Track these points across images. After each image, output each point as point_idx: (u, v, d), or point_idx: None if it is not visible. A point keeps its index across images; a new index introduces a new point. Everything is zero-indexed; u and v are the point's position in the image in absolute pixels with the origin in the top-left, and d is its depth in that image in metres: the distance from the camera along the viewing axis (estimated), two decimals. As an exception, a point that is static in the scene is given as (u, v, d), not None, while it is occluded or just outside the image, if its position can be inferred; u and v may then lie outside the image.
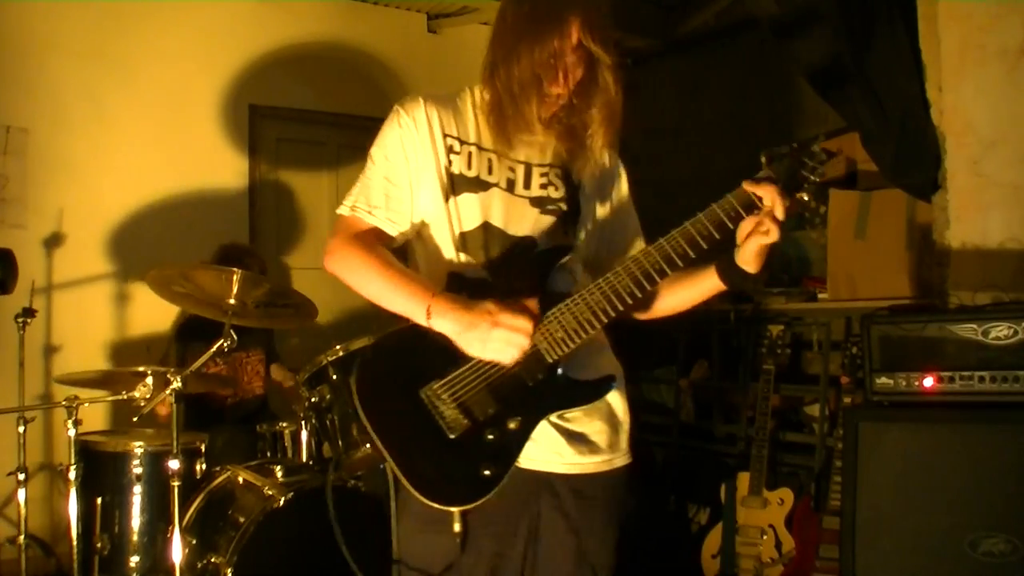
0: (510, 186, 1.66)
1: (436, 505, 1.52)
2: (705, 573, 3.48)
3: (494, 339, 1.48)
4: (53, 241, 4.13)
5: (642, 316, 1.78)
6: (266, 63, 4.68)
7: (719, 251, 1.62)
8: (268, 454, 3.10)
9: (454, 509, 1.54)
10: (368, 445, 2.65)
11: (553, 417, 1.60)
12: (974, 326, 2.30)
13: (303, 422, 2.79)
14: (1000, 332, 2.27)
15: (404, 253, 1.74)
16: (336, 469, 2.77)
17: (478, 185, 1.65)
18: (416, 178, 1.66)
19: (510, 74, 1.58)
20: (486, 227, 1.64)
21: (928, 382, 2.35)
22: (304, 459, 2.82)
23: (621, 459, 1.72)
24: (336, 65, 4.90)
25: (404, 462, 1.53)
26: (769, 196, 1.54)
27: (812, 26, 3.09)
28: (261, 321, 3.01)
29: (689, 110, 5.06)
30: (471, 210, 1.65)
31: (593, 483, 1.66)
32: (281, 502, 2.61)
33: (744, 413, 3.89)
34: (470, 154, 1.66)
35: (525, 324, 1.49)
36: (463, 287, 1.60)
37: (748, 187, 1.55)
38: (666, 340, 4.57)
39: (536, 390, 1.55)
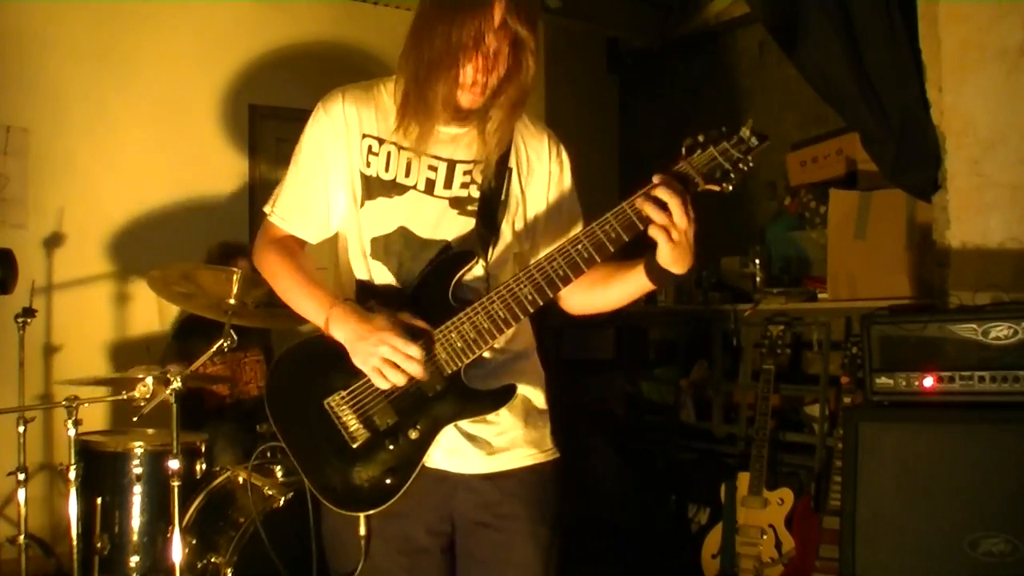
0: (429, 187, 1.60)
1: (339, 511, 1.55)
2: (705, 573, 3.48)
3: (376, 357, 1.47)
4: (53, 241, 4.13)
5: (574, 312, 1.72)
6: (266, 63, 4.68)
7: (642, 247, 1.53)
8: (268, 454, 3.09)
9: (358, 514, 1.56)
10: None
11: (463, 424, 1.58)
12: (974, 326, 2.30)
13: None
14: (1000, 332, 2.27)
15: (321, 251, 1.74)
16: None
17: (394, 189, 1.59)
18: (333, 181, 1.63)
19: (420, 57, 1.50)
20: (400, 232, 1.60)
21: (928, 382, 2.35)
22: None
23: (544, 456, 1.67)
24: (336, 65, 4.89)
25: (311, 469, 1.57)
26: (669, 196, 1.43)
27: (812, 26, 3.09)
28: (261, 321, 3.01)
29: (689, 110, 5.07)
30: (385, 215, 1.60)
31: (511, 479, 1.62)
32: (281, 502, 2.61)
33: (744, 413, 3.90)
34: (389, 154, 1.60)
35: (413, 352, 1.46)
36: (371, 295, 1.60)
37: (642, 196, 1.45)
38: (666, 340, 4.57)
39: (436, 400, 1.54)
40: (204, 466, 2.96)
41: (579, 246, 1.49)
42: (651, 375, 4.56)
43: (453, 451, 1.59)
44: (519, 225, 1.67)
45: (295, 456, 1.58)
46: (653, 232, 1.45)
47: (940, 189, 2.98)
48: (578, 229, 1.63)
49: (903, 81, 2.99)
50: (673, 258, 1.48)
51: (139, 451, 2.80)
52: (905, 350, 2.40)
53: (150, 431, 3.07)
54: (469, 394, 1.55)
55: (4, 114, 4.04)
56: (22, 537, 2.96)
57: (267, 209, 1.70)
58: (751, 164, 1.50)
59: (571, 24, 4.96)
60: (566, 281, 1.50)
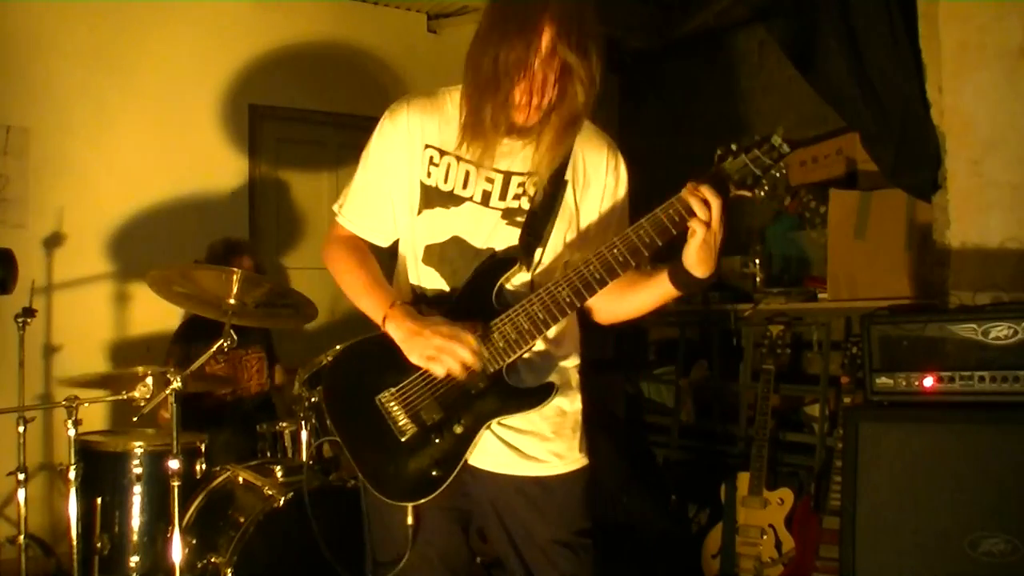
0: (485, 199, 1.67)
1: (389, 501, 1.66)
2: (705, 573, 3.48)
3: (432, 349, 1.57)
4: (53, 241, 4.13)
5: (603, 321, 1.79)
6: (266, 63, 4.68)
7: (674, 252, 1.60)
8: (268, 454, 3.09)
9: (406, 504, 1.67)
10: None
11: (501, 432, 1.69)
12: (974, 326, 2.30)
13: (303, 422, 2.79)
14: (1000, 332, 2.27)
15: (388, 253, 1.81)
16: (336, 469, 2.78)
17: (451, 200, 1.67)
18: (396, 188, 1.72)
19: (474, 79, 1.57)
20: (454, 241, 1.68)
21: (928, 382, 2.35)
22: (304, 459, 2.81)
23: (568, 467, 1.75)
24: (336, 65, 4.90)
25: (362, 462, 1.66)
26: (699, 205, 1.49)
27: (811, 27, 3.09)
28: (261, 321, 3.01)
29: (689, 110, 5.07)
30: (441, 224, 1.69)
31: (538, 486, 1.71)
32: (281, 502, 2.61)
33: (744, 413, 3.89)
34: (449, 166, 1.68)
35: (467, 352, 1.56)
36: (423, 299, 1.70)
37: (679, 201, 1.52)
38: (666, 340, 4.57)
39: (480, 398, 1.64)
40: (204, 466, 2.96)
41: (614, 250, 1.56)
42: (651, 375, 4.56)
43: (487, 452, 1.69)
44: (571, 235, 1.73)
45: (348, 449, 1.66)
46: (693, 223, 1.51)
47: (940, 189, 2.98)
48: None
49: (903, 81, 2.99)
50: (700, 259, 1.55)
51: (139, 451, 2.80)
52: (905, 350, 2.40)
53: (150, 431, 3.08)
54: (511, 391, 1.65)
55: (4, 114, 4.04)
56: (22, 537, 2.96)
57: (336, 208, 1.79)
58: (783, 171, 1.54)
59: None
60: (602, 284, 1.57)
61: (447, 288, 1.69)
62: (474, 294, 1.65)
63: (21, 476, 2.93)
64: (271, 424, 3.14)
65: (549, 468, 1.72)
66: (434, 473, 1.63)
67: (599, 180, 1.74)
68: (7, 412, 2.87)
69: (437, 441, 1.63)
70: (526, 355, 1.67)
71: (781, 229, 4.07)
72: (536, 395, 1.66)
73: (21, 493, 2.93)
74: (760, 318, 3.76)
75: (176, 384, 2.52)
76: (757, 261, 3.96)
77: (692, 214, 1.50)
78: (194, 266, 3.20)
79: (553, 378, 1.70)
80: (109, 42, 4.29)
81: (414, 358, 1.60)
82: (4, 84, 4.05)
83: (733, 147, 1.55)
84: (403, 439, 1.63)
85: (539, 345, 1.69)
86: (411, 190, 1.70)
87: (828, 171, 3.80)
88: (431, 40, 5.22)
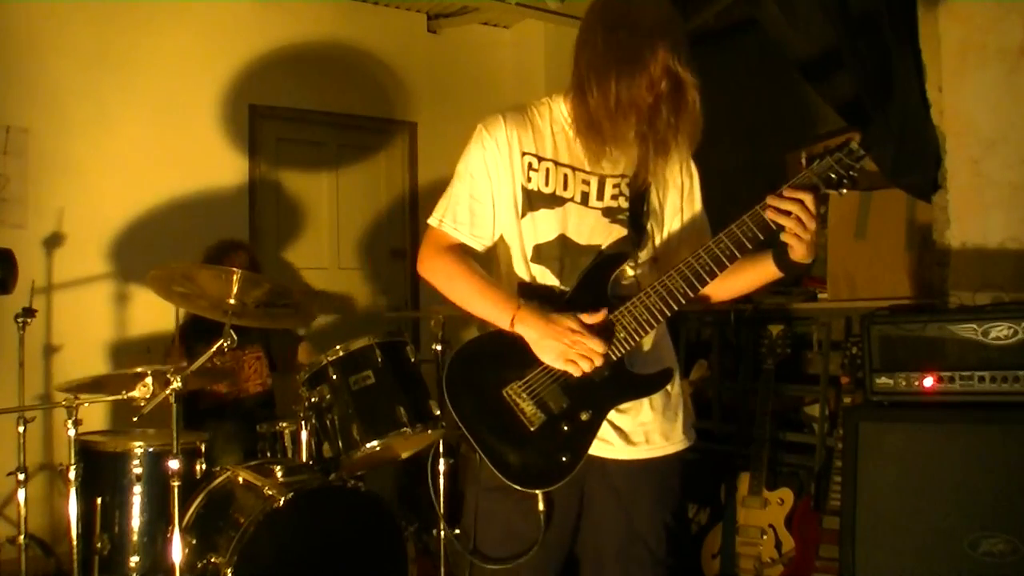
0: (584, 199, 1.80)
1: (523, 488, 1.73)
2: (705, 573, 3.48)
3: (571, 354, 1.69)
4: (53, 241, 4.13)
5: (708, 301, 1.91)
6: (266, 63, 4.69)
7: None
8: (268, 454, 3.10)
9: (538, 491, 1.75)
10: (368, 445, 2.68)
11: (612, 417, 1.79)
12: (974, 326, 2.30)
13: (303, 422, 2.79)
14: (1000, 332, 2.27)
15: (483, 259, 1.89)
16: (336, 469, 2.78)
17: (554, 201, 1.80)
18: (497, 195, 1.83)
19: (606, 95, 1.68)
20: (561, 239, 1.80)
21: (928, 382, 2.35)
22: (304, 459, 2.81)
23: (673, 447, 1.88)
24: (336, 65, 4.90)
25: (492, 454, 1.73)
26: (793, 204, 1.66)
27: (811, 27, 3.09)
28: (261, 321, 3.01)
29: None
30: (547, 224, 1.80)
31: (641, 469, 1.82)
32: (281, 502, 2.61)
33: (744, 413, 3.89)
34: (547, 170, 1.81)
35: (599, 347, 1.69)
36: (533, 295, 1.80)
37: (773, 201, 1.67)
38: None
39: (603, 385, 1.74)
40: (204, 466, 2.96)
41: (721, 245, 1.71)
42: (651, 375, 4.55)
43: (598, 438, 1.77)
44: (658, 233, 1.89)
45: (476, 442, 1.73)
46: (785, 237, 1.69)
47: (940, 189, 2.98)
48: (707, 237, 1.87)
49: (903, 81, 2.99)
50: (797, 248, 1.70)
51: (139, 451, 2.80)
52: (905, 350, 2.40)
53: (150, 431, 3.07)
54: (631, 378, 1.77)
55: (4, 114, 4.04)
56: (22, 537, 2.96)
57: (434, 221, 1.87)
58: (858, 171, 1.71)
59: (571, 24, 4.97)
60: (712, 275, 1.71)
61: (557, 282, 1.80)
62: (589, 288, 1.77)
63: (21, 476, 2.93)
64: (271, 424, 3.14)
65: (653, 450, 1.83)
66: (564, 459, 1.72)
67: (675, 180, 1.90)
68: (7, 412, 2.87)
69: (565, 428, 1.73)
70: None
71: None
72: (656, 381, 1.80)
73: (21, 493, 2.93)
74: (760, 318, 3.76)
75: (176, 384, 2.52)
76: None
77: (787, 213, 1.66)
78: (194, 266, 3.19)
79: (666, 363, 1.84)
80: (109, 42, 4.29)
81: (549, 360, 1.72)
82: (4, 84, 4.05)
83: (816, 150, 1.73)
84: (532, 428, 1.72)
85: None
86: (513, 195, 1.81)
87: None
88: (431, 40, 5.22)
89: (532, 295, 1.80)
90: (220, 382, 3.60)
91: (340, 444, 2.73)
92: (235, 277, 2.63)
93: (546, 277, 1.82)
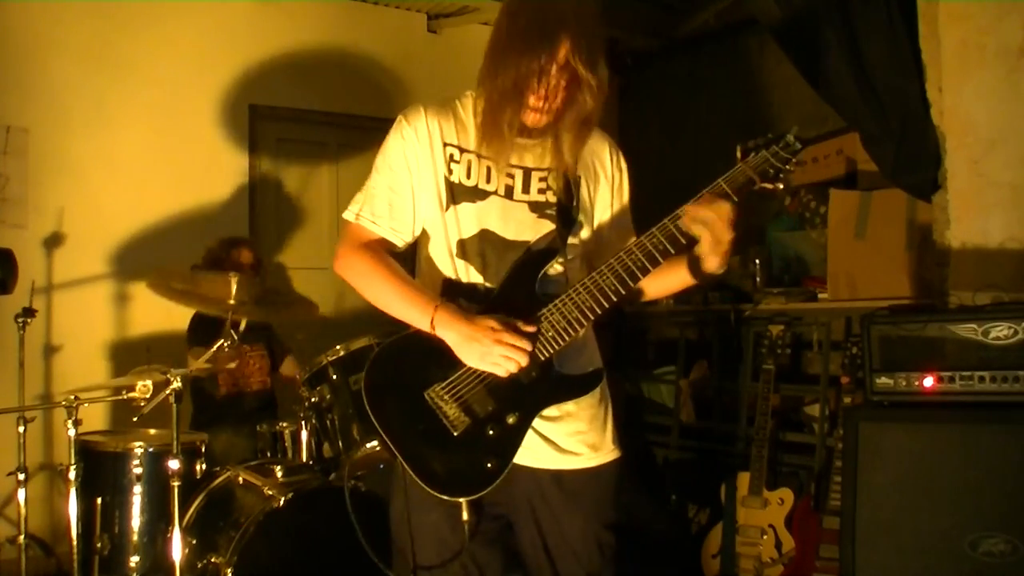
0: (508, 192, 1.73)
1: (445, 497, 1.63)
2: (705, 573, 3.48)
3: (494, 355, 1.61)
4: (53, 241, 4.13)
5: (642, 298, 1.87)
6: (266, 63, 4.68)
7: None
8: (268, 454, 3.09)
9: (462, 500, 1.65)
10: (369, 444, 2.67)
11: (538, 425, 1.70)
12: (974, 326, 2.30)
13: (303, 422, 2.79)
14: (1000, 332, 2.27)
15: (405, 256, 1.80)
16: (336, 469, 2.78)
17: (476, 194, 1.73)
18: (418, 187, 1.75)
19: (494, 84, 1.63)
20: (483, 234, 1.72)
21: (928, 382, 2.35)
22: (304, 459, 2.82)
23: (604, 457, 1.78)
24: (336, 65, 4.90)
25: (413, 460, 1.64)
26: (709, 214, 1.60)
27: (812, 27, 3.09)
28: (263, 315, 3.01)
29: (689, 110, 5.07)
30: (469, 219, 1.72)
31: (571, 479, 1.74)
32: (281, 502, 2.61)
33: (744, 413, 3.89)
34: (470, 163, 1.73)
35: (525, 344, 1.61)
36: (458, 293, 1.72)
37: (689, 211, 1.61)
38: (666, 340, 4.57)
39: (531, 387, 1.66)
40: (204, 466, 2.96)
41: (654, 240, 1.64)
42: (651, 375, 4.56)
43: (524, 446, 1.68)
44: (588, 228, 1.82)
45: (396, 447, 1.65)
46: (697, 249, 1.64)
47: (940, 189, 2.98)
48: (630, 234, 1.82)
49: (903, 81, 2.99)
50: (715, 264, 1.65)
51: (139, 451, 2.80)
52: (905, 350, 2.40)
53: (150, 431, 3.07)
54: (561, 379, 1.69)
55: (4, 114, 4.04)
56: (22, 537, 2.96)
57: (350, 215, 1.78)
58: (796, 165, 1.65)
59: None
60: (644, 271, 1.64)
61: (481, 280, 1.73)
62: (516, 285, 1.70)
63: (21, 476, 2.93)
64: (271, 424, 3.14)
65: (584, 460, 1.74)
66: (489, 465, 1.63)
67: (606, 174, 1.85)
68: (7, 412, 2.87)
69: (491, 433, 1.64)
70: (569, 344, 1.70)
71: (781, 229, 4.07)
72: (586, 382, 1.72)
73: (21, 493, 2.93)
74: (760, 318, 3.76)
75: (176, 384, 2.52)
76: (757, 261, 3.96)
77: (701, 223, 1.60)
78: (192, 272, 3.20)
79: (596, 364, 1.77)
80: (109, 42, 4.29)
81: (472, 362, 1.63)
82: (4, 84, 4.05)
83: (751, 144, 1.65)
84: (456, 433, 1.64)
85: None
86: (435, 187, 1.74)
87: (828, 171, 3.80)
88: (431, 40, 5.22)
89: (457, 293, 1.72)
90: (223, 376, 3.58)
91: (340, 444, 2.73)
92: (233, 280, 2.64)
93: (470, 274, 1.73)
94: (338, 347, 2.74)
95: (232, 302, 2.67)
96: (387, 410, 1.66)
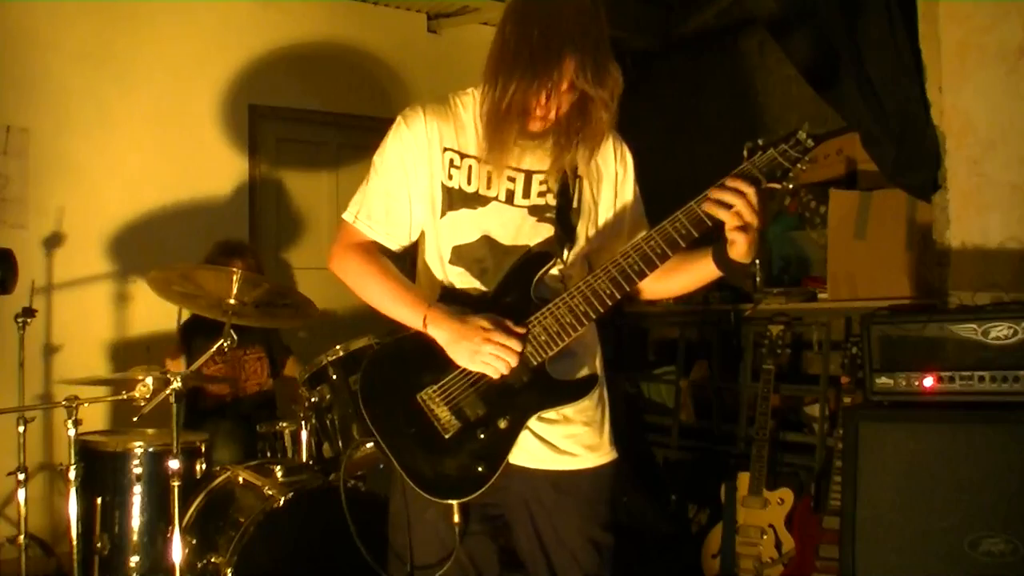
0: (509, 197, 1.71)
1: (436, 499, 1.64)
2: (705, 573, 3.48)
3: (483, 353, 1.60)
4: (53, 241, 4.13)
5: (644, 297, 1.84)
6: (266, 63, 4.68)
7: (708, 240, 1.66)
8: (268, 454, 3.09)
9: (452, 502, 1.65)
10: (368, 444, 2.67)
11: (535, 427, 1.69)
12: (974, 326, 2.30)
13: (303, 422, 2.79)
14: (1000, 332, 2.27)
15: (404, 256, 1.80)
16: (336, 469, 2.78)
17: (476, 200, 1.70)
18: (415, 192, 1.73)
19: (505, 92, 1.60)
20: (484, 240, 1.71)
21: (928, 382, 2.35)
22: (304, 459, 2.81)
23: (600, 459, 1.77)
24: (336, 65, 4.90)
25: (404, 461, 1.65)
26: (734, 197, 1.56)
27: (812, 27, 3.10)
28: (261, 320, 3.01)
29: (689, 110, 5.07)
30: (469, 224, 1.71)
31: (566, 481, 1.73)
32: (281, 502, 2.61)
33: (744, 413, 3.89)
34: (470, 168, 1.71)
35: (514, 344, 1.60)
36: (454, 298, 1.71)
37: (714, 194, 1.57)
38: (666, 340, 4.56)
39: (523, 391, 1.65)
40: (204, 466, 2.96)
41: (651, 243, 1.61)
42: (651, 375, 4.56)
43: (521, 447, 1.68)
44: (591, 228, 1.79)
45: (389, 449, 1.65)
46: (727, 215, 1.56)
47: (940, 189, 2.98)
48: (643, 227, 1.79)
49: (903, 81, 2.99)
50: (739, 245, 1.60)
51: (139, 451, 2.80)
52: (905, 350, 2.40)
53: (150, 431, 3.07)
54: (553, 384, 1.67)
55: (4, 114, 4.04)
56: (22, 537, 2.96)
57: (348, 216, 1.77)
58: (807, 163, 1.61)
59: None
60: (641, 275, 1.62)
61: (478, 284, 1.71)
62: (511, 289, 1.68)
63: (21, 476, 2.93)
64: (271, 424, 3.14)
65: (581, 462, 1.73)
66: (479, 469, 1.64)
67: (609, 172, 1.81)
68: (7, 412, 2.87)
69: (482, 437, 1.64)
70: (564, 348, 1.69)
71: (781, 229, 4.07)
72: (579, 387, 1.70)
73: (21, 493, 2.93)
74: (760, 318, 3.76)
75: (176, 384, 2.52)
76: (757, 261, 3.95)
77: (727, 206, 1.56)
78: (194, 266, 3.19)
79: (592, 370, 1.75)
80: (109, 42, 4.29)
81: (462, 362, 1.63)
82: (4, 84, 4.05)
83: (760, 142, 1.61)
84: (447, 436, 1.64)
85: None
86: (432, 193, 1.72)
87: (828, 171, 3.80)
88: (431, 40, 5.22)
89: (453, 298, 1.71)
90: (219, 383, 3.60)
91: (340, 444, 2.73)
92: (235, 277, 2.63)
93: (465, 279, 1.72)
94: (338, 347, 2.74)
95: (232, 302, 2.66)
96: (381, 412, 1.67)
